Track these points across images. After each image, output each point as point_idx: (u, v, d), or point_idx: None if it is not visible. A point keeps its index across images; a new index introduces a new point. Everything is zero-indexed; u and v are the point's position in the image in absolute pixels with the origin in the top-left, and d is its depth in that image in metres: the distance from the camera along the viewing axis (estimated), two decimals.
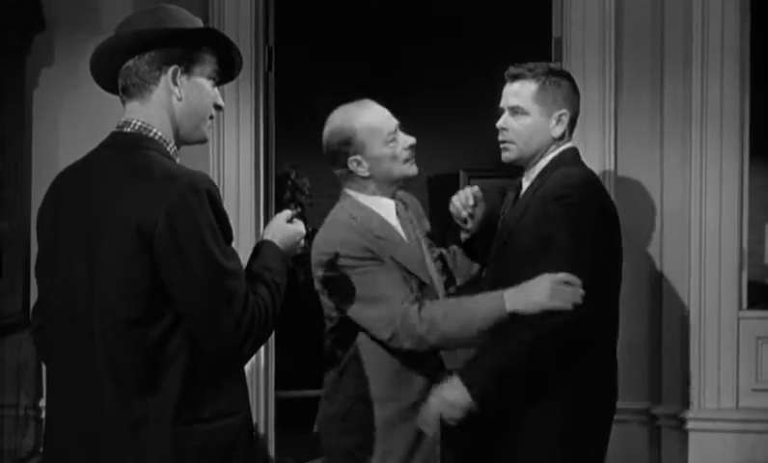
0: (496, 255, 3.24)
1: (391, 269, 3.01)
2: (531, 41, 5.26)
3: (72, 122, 4.15)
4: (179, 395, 2.23)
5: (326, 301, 3.09)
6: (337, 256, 3.00)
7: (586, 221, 2.98)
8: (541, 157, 3.16)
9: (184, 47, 2.34)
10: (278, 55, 4.56)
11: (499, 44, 7.21)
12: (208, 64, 2.40)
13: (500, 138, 3.19)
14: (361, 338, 3.03)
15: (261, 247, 2.51)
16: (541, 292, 2.86)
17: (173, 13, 2.37)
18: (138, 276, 2.20)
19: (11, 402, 4.03)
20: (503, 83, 3.17)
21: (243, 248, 4.27)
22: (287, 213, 2.59)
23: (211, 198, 2.22)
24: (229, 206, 4.35)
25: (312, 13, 6.30)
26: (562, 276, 2.87)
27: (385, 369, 3.03)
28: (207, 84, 2.39)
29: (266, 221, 4.55)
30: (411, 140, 3.13)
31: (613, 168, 4.13)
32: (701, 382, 4.07)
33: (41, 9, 4.01)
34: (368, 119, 3.09)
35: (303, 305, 6.01)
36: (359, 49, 7.70)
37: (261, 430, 4.47)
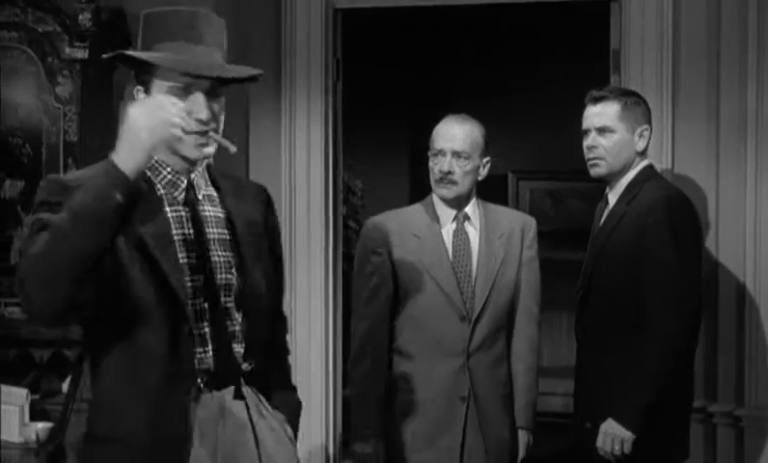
0: (590, 266, 3.48)
1: None
2: (586, 52, 5.42)
3: None
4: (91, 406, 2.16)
5: None
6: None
7: (685, 225, 3.31)
8: (628, 171, 3.45)
9: None
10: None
11: (552, 54, 7.36)
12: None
13: (590, 156, 3.47)
14: None
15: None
16: None
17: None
18: None
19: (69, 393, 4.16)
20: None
21: (313, 256, 4.45)
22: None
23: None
24: (299, 212, 4.50)
25: (375, 25, 6.47)
26: None
27: None
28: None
29: (335, 227, 4.64)
30: None
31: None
32: (756, 379, 4.10)
33: (126, 26, 4.22)
34: None
35: None
36: (413, 58, 7.88)
37: (331, 431, 4.58)
